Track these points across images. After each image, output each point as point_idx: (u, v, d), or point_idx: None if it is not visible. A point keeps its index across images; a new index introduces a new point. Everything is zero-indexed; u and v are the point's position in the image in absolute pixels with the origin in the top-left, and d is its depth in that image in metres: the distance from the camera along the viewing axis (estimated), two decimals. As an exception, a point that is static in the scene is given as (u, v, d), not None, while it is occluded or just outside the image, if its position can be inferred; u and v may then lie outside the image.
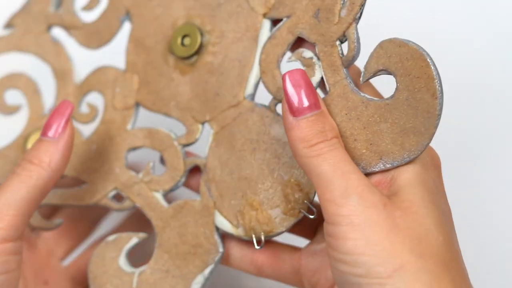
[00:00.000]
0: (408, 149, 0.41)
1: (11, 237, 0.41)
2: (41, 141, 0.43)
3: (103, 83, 0.49)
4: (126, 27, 0.50)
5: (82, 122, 0.49)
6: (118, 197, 0.48)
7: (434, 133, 0.40)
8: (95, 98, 0.50)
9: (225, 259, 0.46)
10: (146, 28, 0.49)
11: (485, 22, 0.63)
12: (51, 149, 0.42)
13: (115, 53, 0.51)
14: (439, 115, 0.40)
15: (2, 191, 0.41)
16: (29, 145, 0.50)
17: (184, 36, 0.47)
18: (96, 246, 0.50)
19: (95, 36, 0.50)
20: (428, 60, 0.40)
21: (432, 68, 0.40)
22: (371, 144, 0.42)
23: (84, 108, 0.50)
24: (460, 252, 0.40)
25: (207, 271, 0.45)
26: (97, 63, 0.51)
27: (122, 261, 0.46)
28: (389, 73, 0.42)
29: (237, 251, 0.46)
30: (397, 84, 0.41)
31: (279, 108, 0.45)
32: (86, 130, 0.50)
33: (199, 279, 0.45)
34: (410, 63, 0.41)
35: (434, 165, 0.42)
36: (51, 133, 0.43)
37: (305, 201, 0.43)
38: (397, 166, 0.41)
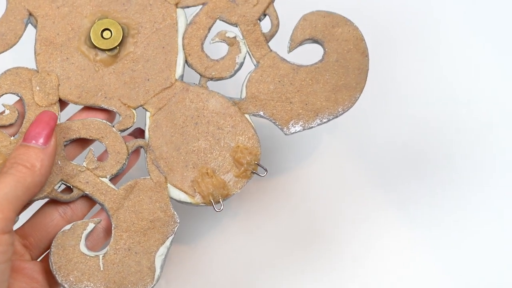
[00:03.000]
0: (341, 103, 0.48)
1: (8, 228, 0.43)
2: (30, 148, 0.46)
3: (17, 84, 0.50)
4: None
5: (3, 124, 0.50)
6: (68, 190, 0.50)
7: (364, 86, 0.47)
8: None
9: None
10: (55, 27, 0.50)
11: None
12: (41, 156, 0.46)
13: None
14: (368, 70, 0.47)
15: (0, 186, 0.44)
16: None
17: (102, 30, 0.50)
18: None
19: None
20: (355, 25, 0.47)
21: (360, 31, 0.47)
22: (306, 104, 0.48)
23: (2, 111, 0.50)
24: None
25: (168, 242, 0.48)
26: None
27: (83, 247, 0.48)
28: (315, 41, 0.48)
29: None
30: (325, 49, 0.48)
31: (210, 84, 0.50)
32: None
33: (162, 251, 0.48)
34: (336, 30, 0.48)
35: None
36: (41, 141, 0.46)
37: (256, 162, 0.48)
38: (333, 119, 0.48)
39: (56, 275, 0.47)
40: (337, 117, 0.48)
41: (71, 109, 0.52)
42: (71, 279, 0.47)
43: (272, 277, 0.58)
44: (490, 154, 0.60)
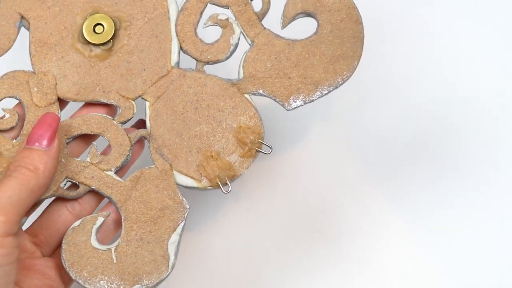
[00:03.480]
0: (340, 73, 0.48)
1: (12, 231, 0.43)
2: (33, 150, 0.46)
3: (15, 87, 0.50)
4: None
5: (4, 128, 0.49)
6: (74, 186, 0.49)
7: (361, 54, 0.47)
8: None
9: None
10: (47, 28, 0.50)
11: None
12: (44, 158, 0.46)
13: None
14: (364, 37, 0.47)
15: (3, 189, 0.44)
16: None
17: (94, 26, 0.50)
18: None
19: None
20: (345, -7, 0.47)
21: (351, -1, 0.47)
22: (305, 77, 0.48)
23: (1, 115, 0.50)
24: None
25: (179, 228, 0.48)
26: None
27: (94, 242, 0.48)
28: (307, 15, 0.48)
29: None
30: (318, 21, 0.48)
31: (206, 68, 0.50)
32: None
33: (174, 238, 0.48)
34: (328, 0, 0.47)
35: None
36: (44, 143, 0.46)
37: (259, 141, 0.48)
38: (333, 91, 0.48)
39: (70, 272, 0.47)
40: (337, 87, 0.48)
41: (72, 108, 0.52)
42: (85, 274, 0.47)
43: (272, 265, 0.58)
44: (492, 154, 0.60)
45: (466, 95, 0.61)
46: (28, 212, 0.49)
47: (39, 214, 0.50)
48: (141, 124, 0.52)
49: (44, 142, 0.46)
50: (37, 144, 0.46)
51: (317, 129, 0.60)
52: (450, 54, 0.62)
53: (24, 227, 0.49)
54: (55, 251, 0.49)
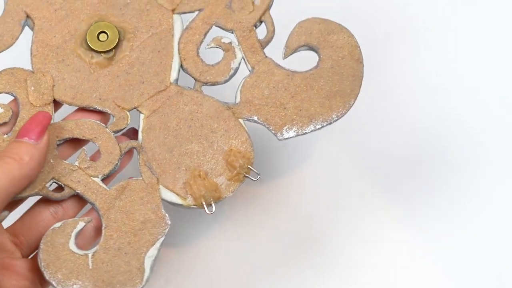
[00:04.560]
0: (336, 110, 0.48)
1: None
2: (21, 143, 0.46)
3: (12, 84, 0.50)
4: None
5: None
6: (60, 189, 0.50)
7: (358, 93, 0.48)
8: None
9: None
10: (51, 30, 0.51)
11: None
12: (32, 151, 0.46)
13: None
14: (363, 77, 0.48)
15: None
16: None
17: (99, 33, 0.51)
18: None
19: None
20: (350, 32, 0.48)
21: (354, 38, 0.48)
22: (300, 110, 0.49)
23: None
24: None
25: (158, 243, 0.48)
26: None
27: (73, 246, 0.48)
28: (310, 48, 0.49)
29: None
30: (320, 56, 0.49)
31: (204, 89, 0.50)
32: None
33: (152, 252, 0.48)
34: (331, 37, 0.49)
35: None
36: (32, 136, 0.47)
37: (248, 166, 0.48)
38: (327, 126, 0.48)
39: (44, 272, 0.47)
40: (331, 123, 0.49)
41: (66, 111, 0.52)
42: (59, 276, 0.47)
43: (267, 281, 0.58)
44: (490, 152, 0.61)
45: (466, 110, 0.62)
46: (11, 207, 0.49)
47: (20, 214, 0.50)
48: (131, 133, 0.53)
49: (33, 136, 0.47)
50: (26, 138, 0.47)
51: (319, 149, 0.60)
52: (451, 69, 0.63)
53: (6, 225, 0.49)
54: (35, 253, 0.49)
